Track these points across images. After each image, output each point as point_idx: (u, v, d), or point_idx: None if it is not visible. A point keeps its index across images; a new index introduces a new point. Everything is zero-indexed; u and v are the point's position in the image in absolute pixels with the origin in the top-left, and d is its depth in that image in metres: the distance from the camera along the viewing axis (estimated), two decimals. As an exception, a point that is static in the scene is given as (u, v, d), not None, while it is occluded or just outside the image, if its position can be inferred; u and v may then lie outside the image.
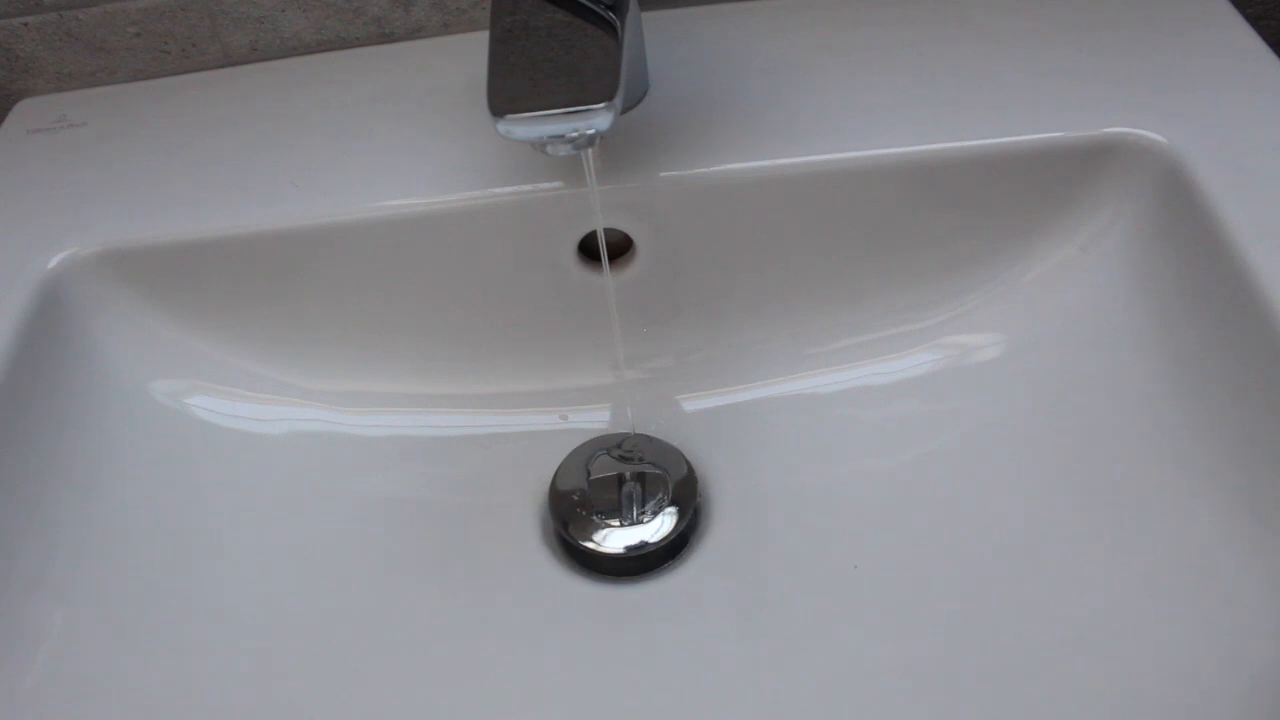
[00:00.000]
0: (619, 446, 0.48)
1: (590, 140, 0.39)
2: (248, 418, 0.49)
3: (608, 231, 0.46)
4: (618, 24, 0.41)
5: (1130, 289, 0.45)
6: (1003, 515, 0.44)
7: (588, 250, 0.49)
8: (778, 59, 0.51)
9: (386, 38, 0.56)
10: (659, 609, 0.44)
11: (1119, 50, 0.49)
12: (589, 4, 0.41)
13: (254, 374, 0.50)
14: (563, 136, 0.38)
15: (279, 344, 0.50)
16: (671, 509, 0.46)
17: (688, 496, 0.47)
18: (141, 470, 0.46)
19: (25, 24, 0.54)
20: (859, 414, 0.49)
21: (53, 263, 0.47)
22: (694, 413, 0.50)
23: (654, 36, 0.51)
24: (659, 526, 0.46)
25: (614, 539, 0.45)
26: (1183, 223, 0.43)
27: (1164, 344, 0.44)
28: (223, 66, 0.56)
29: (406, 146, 0.49)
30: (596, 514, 0.46)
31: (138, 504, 0.45)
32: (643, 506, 0.46)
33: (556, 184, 0.47)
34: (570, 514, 0.46)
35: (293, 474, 0.48)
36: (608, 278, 0.46)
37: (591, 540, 0.45)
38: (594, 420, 0.50)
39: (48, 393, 0.45)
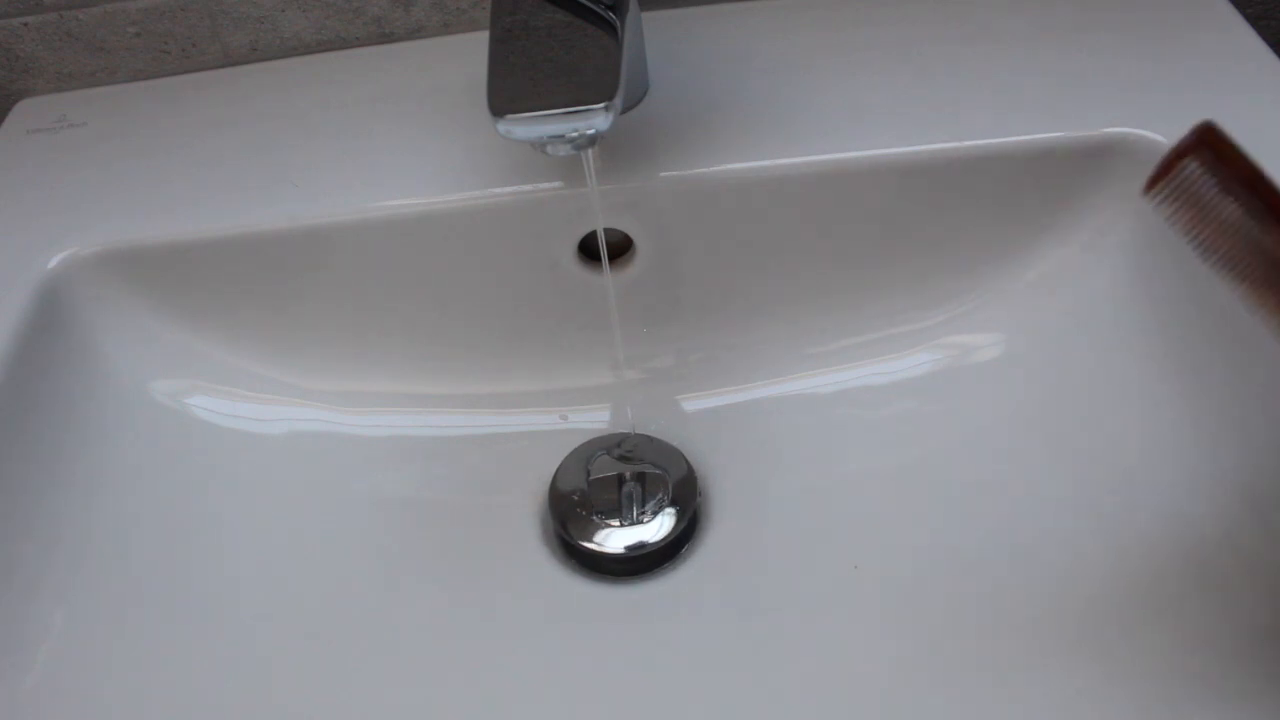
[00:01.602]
0: (619, 446, 0.48)
1: (590, 140, 0.39)
2: (248, 418, 0.49)
3: (608, 231, 0.46)
4: (618, 24, 0.41)
5: (1130, 289, 0.45)
6: (1003, 515, 0.44)
7: (588, 250, 0.49)
8: (778, 59, 0.51)
9: (386, 38, 0.56)
10: (659, 609, 0.44)
11: (1119, 50, 0.49)
12: (589, 4, 0.41)
13: (254, 374, 0.50)
14: (563, 136, 0.38)
15: (279, 344, 0.50)
16: (671, 509, 0.46)
17: (688, 496, 0.47)
18: (141, 470, 0.46)
19: (25, 24, 0.54)
20: (859, 414, 0.49)
21: (53, 263, 0.47)
22: (694, 413, 0.50)
23: (654, 36, 0.51)
24: (659, 527, 0.46)
25: (614, 539, 0.45)
26: (1183, 223, 0.43)
27: (1164, 344, 0.44)
28: (223, 66, 0.56)
29: (406, 146, 0.49)
30: (596, 514, 0.46)
31: (138, 504, 0.45)
32: (642, 507, 0.46)
33: (556, 184, 0.47)
34: (570, 514, 0.46)
35: (293, 474, 0.48)
36: (608, 278, 0.46)
37: (591, 540, 0.45)
38: (594, 420, 0.50)
39: (48, 393, 0.45)
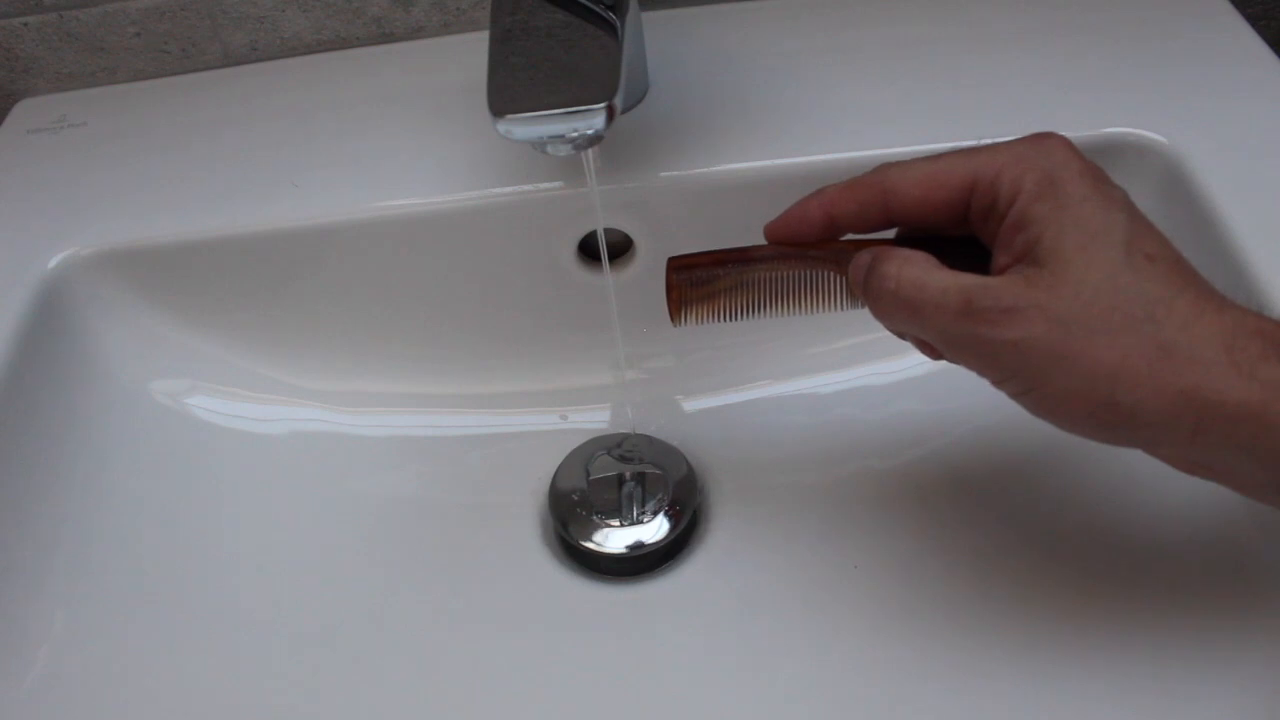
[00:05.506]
0: (619, 446, 0.48)
1: (590, 140, 0.39)
2: (248, 418, 0.49)
3: (608, 231, 0.46)
4: (618, 24, 0.41)
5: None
6: (1003, 515, 0.44)
7: (588, 250, 0.49)
8: (778, 59, 0.51)
9: (386, 38, 0.56)
10: (659, 609, 0.44)
11: (1119, 50, 0.49)
12: (589, 4, 0.41)
13: (254, 374, 0.50)
14: (563, 136, 0.38)
15: (279, 344, 0.50)
16: (671, 509, 0.46)
17: (687, 497, 0.46)
18: (142, 470, 0.46)
19: (25, 24, 0.54)
20: (859, 414, 0.49)
21: (53, 263, 0.47)
22: (694, 413, 0.50)
23: (654, 36, 0.51)
24: (658, 527, 0.46)
25: (614, 539, 0.45)
26: (1183, 222, 0.43)
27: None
28: (223, 66, 0.56)
29: (406, 146, 0.49)
30: (596, 514, 0.46)
31: (138, 504, 0.45)
32: (642, 507, 0.46)
33: (556, 184, 0.47)
34: (570, 514, 0.46)
35: (293, 474, 0.48)
36: (608, 278, 0.46)
37: (591, 540, 0.45)
38: (594, 420, 0.50)
39: (48, 393, 0.45)
